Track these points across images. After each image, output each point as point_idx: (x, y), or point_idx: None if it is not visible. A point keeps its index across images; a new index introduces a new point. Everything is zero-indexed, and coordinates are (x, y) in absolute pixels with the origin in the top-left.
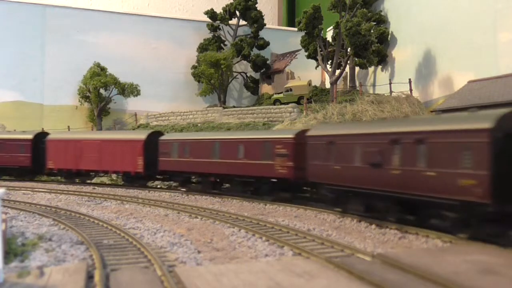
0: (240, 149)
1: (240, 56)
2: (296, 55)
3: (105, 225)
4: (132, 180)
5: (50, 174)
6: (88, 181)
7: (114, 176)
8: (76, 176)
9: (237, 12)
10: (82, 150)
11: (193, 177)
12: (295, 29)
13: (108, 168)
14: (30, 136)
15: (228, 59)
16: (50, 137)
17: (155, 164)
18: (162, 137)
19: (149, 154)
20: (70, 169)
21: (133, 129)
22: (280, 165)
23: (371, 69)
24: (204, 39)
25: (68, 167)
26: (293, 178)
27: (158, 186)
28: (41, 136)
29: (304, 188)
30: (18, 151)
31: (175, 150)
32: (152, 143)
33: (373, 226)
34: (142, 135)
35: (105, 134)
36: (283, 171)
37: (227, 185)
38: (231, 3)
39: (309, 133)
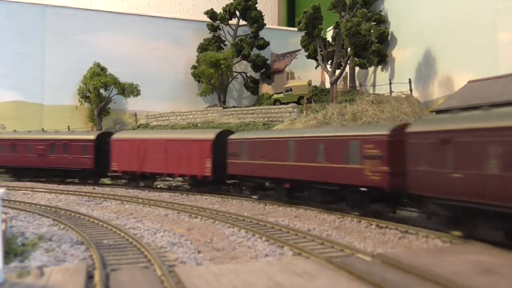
0: (320, 149)
1: (240, 56)
2: (296, 55)
3: (105, 225)
4: (198, 184)
5: (114, 177)
6: (155, 185)
7: (179, 179)
8: (140, 179)
9: (237, 12)
10: (146, 150)
11: (267, 182)
12: (295, 29)
13: (173, 170)
14: (93, 137)
15: (228, 59)
16: (114, 137)
17: (224, 167)
18: (231, 136)
19: (219, 156)
20: (135, 172)
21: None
22: (370, 170)
23: (371, 69)
24: (204, 39)
25: (132, 169)
26: (389, 187)
27: (158, 186)
28: (104, 136)
29: (405, 200)
30: (81, 152)
31: (244, 150)
32: (221, 143)
33: (373, 226)
34: (210, 135)
35: (171, 133)
36: (374, 177)
37: (306, 193)
38: (231, 3)
39: (412, 128)
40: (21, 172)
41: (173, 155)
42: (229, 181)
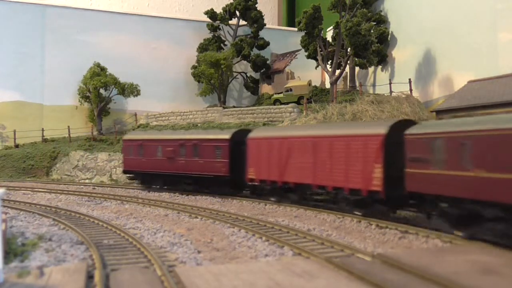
0: None
1: (240, 56)
2: (296, 55)
3: (105, 225)
4: (361, 205)
5: (254, 188)
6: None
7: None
8: (283, 191)
9: (237, 12)
10: (289, 152)
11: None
12: (295, 29)
13: (324, 181)
14: (227, 135)
15: (228, 59)
16: (252, 135)
17: (401, 179)
18: (413, 129)
19: (393, 161)
20: (275, 182)
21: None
22: None
23: (371, 69)
24: (204, 39)
25: (271, 178)
26: None
27: (158, 186)
28: (241, 134)
29: None
30: (213, 155)
31: (439, 153)
32: (396, 141)
33: (373, 226)
34: (379, 128)
35: (322, 127)
36: None
37: None
38: (231, 3)
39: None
40: (150, 179)
41: (324, 158)
42: (402, 201)
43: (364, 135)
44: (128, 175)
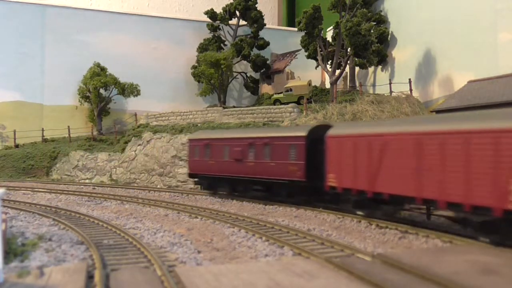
0: None
1: (240, 56)
2: (296, 55)
3: (105, 225)
4: (489, 230)
5: (335, 197)
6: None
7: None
8: (375, 203)
9: (237, 12)
10: (382, 154)
11: None
12: (295, 29)
13: (431, 194)
14: (303, 132)
15: (228, 59)
16: (332, 132)
17: None
18: None
19: None
20: (363, 191)
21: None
22: None
23: (371, 69)
24: (204, 39)
25: (358, 186)
26: None
27: (158, 186)
28: (319, 131)
29: None
30: (287, 155)
31: None
32: None
33: (373, 226)
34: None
35: (429, 121)
36: None
37: None
38: (231, 3)
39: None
40: (216, 183)
41: (432, 162)
42: None
43: (491, 130)
44: (193, 179)
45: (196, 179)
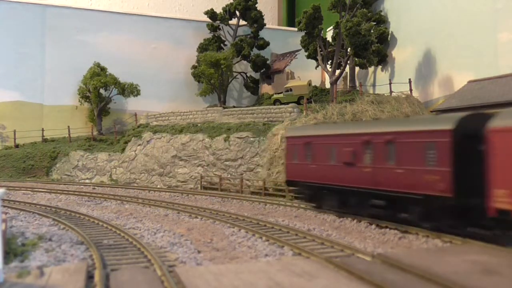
0: None
1: (240, 56)
2: (296, 55)
3: (105, 225)
4: None
5: (503, 224)
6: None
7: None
8: None
9: (237, 12)
10: None
11: None
12: (295, 29)
13: None
14: (447, 125)
15: (228, 59)
16: (499, 122)
17: None
18: None
19: None
20: None
21: (134, 129)
22: None
23: (371, 69)
24: (204, 39)
25: None
26: None
27: (158, 186)
28: (473, 123)
29: None
30: (421, 159)
31: None
32: None
33: (373, 226)
34: None
35: None
36: None
37: None
38: (231, 3)
39: None
40: (320, 195)
41: None
42: None
43: None
44: (293, 187)
45: (295, 187)
